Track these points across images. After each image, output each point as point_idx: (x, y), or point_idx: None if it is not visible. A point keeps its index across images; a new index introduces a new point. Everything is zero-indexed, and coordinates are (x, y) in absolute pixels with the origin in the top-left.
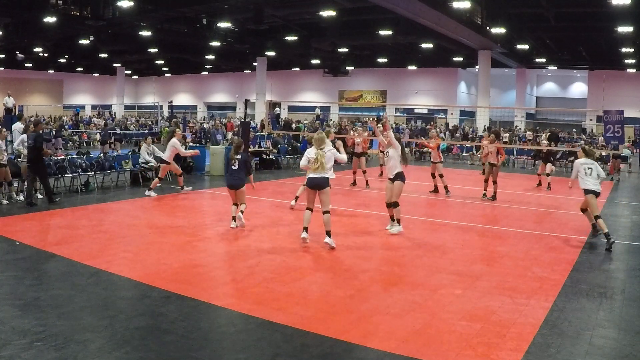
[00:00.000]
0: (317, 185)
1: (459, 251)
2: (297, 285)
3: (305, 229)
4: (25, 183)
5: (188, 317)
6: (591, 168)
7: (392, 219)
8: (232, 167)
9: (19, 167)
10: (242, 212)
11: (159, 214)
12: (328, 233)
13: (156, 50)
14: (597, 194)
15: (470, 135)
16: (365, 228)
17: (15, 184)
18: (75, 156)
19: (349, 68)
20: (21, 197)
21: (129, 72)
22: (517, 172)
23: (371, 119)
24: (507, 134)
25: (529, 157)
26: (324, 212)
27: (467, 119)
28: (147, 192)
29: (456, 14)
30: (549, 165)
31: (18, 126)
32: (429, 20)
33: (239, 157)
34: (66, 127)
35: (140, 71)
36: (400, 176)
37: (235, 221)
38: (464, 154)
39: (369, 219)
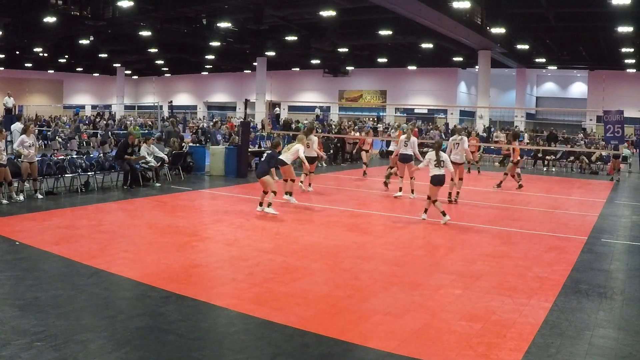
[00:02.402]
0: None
1: (459, 251)
2: (297, 285)
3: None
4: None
5: (188, 317)
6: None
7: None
8: (261, 159)
9: (18, 167)
10: (270, 204)
11: (159, 214)
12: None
13: (156, 50)
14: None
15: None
16: (365, 228)
17: (15, 184)
18: (75, 156)
19: (349, 68)
20: (21, 197)
21: (129, 72)
22: None
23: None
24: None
25: (529, 158)
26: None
27: (467, 119)
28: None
29: (456, 14)
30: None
31: (17, 126)
32: (429, 20)
33: (269, 151)
34: (67, 127)
35: (140, 71)
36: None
37: (261, 205)
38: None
39: (369, 219)
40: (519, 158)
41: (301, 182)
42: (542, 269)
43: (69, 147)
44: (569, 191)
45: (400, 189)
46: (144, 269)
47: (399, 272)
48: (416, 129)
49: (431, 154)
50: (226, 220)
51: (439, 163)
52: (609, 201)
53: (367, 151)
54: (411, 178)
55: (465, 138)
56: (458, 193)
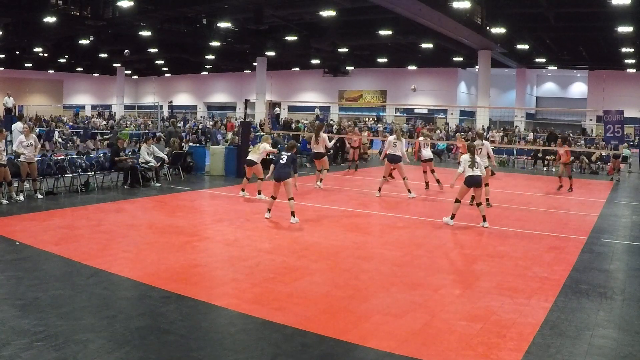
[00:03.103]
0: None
1: (459, 251)
2: (297, 285)
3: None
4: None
5: (188, 317)
6: (477, 162)
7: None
8: (281, 161)
9: (18, 167)
10: (293, 212)
11: (159, 214)
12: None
13: (156, 50)
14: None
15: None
16: (365, 228)
17: (15, 184)
18: (75, 156)
19: (349, 68)
20: (21, 197)
21: (129, 72)
22: (517, 172)
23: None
24: (499, 134)
25: (529, 157)
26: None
27: (467, 119)
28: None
29: (456, 14)
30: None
31: (18, 126)
32: (429, 20)
33: (288, 153)
34: (67, 126)
35: (140, 71)
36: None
37: (269, 212)
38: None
39: (369, 219)
40: (569, 160)
41: (320, 180)
42: (542, 269)
43: (86, 147)
44: (569, 192)
45: (380, 190)
46: (144, 269)
47: (399, 272)
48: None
49: (466, 156)
50: (226, 220)
51: (473, 164)
52: (609, 201)
53: (354, 148)
54: (404, 178)
55: (488, 142)
56: (488, 199)
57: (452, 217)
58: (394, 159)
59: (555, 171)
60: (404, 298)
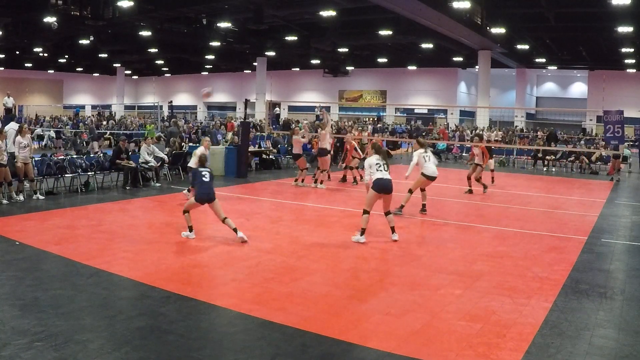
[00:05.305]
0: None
1: (459, 251)
2: (297, 285)
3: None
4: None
5: (188, 317)
6: (428, 155)
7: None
8: (204, 178)
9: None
10: (236, 229)
11: (159, 214)
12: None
13: (156, 50)
14: (432, 178)
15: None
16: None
17: (15, 184)
18: (75, 156)
19: (349, 68)
20: (21, 197)
21: (129, 72)
22: (517, 172)
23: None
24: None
25: (529, 157)
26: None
27: (467, 119)
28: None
29: (456, 14)
30: (490, 161)
31: (14, 126)
32: (429, 20)
33: (208, 169)
34: (67, 126)
35: (140, 71)
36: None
37: (191, 231)
38: (463, 154)
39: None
40: (477, 162)
41: (302, 180)
42: (542, 269)
43: (92, 148)
44: (569, 191)
45: (317, 181)
46: (144, 269)
47: (399, 272)
48: (446, 130)
49: (372, 158)
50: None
51: (382, 166)
52: (609, 201)
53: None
54: (322, 170)
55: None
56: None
57: (362, 233)
58: (323, 153)
59: (549, 171)
60: (404, 298)
